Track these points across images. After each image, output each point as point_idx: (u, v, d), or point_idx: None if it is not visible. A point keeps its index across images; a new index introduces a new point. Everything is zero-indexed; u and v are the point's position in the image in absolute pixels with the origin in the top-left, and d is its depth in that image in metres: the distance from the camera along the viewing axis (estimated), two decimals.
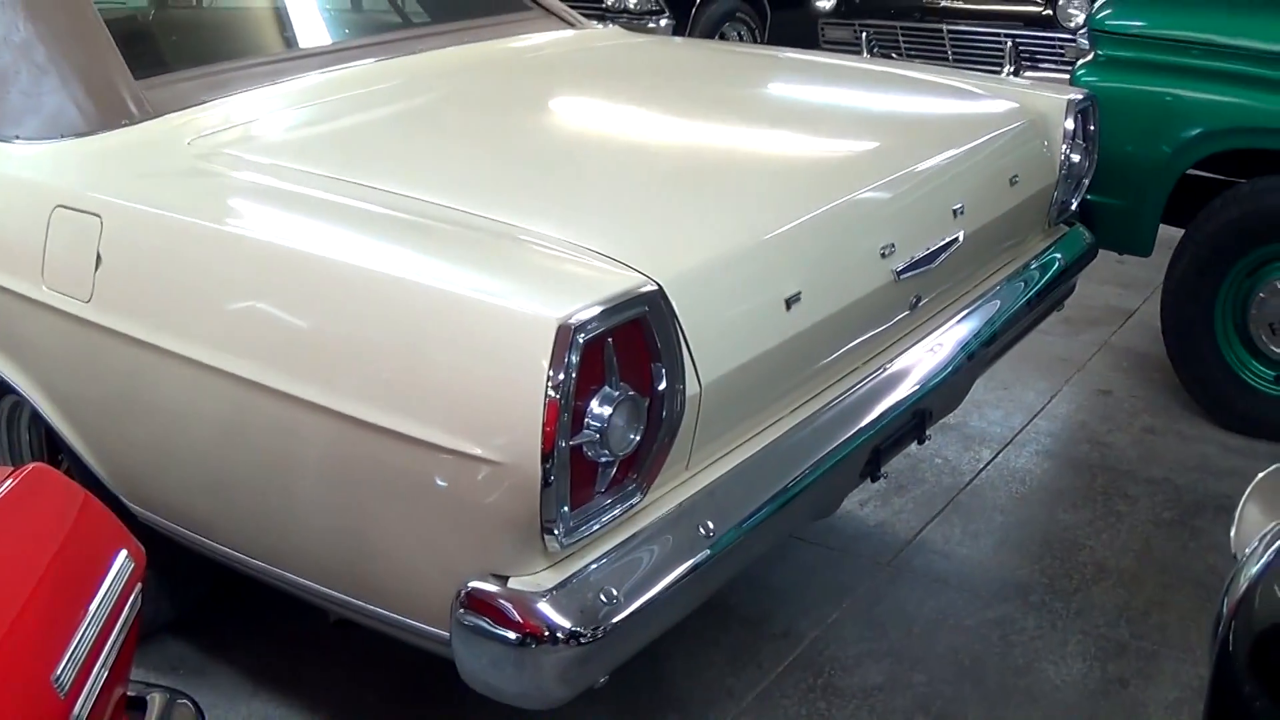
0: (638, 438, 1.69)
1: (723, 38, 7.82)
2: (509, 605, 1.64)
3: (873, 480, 2.32)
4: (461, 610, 1.67)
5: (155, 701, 1.62)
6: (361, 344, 1.73)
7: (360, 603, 1.87)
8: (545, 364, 1.54)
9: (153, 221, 2.00)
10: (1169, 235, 3.56)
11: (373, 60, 2.69)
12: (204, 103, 2.33)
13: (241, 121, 2.31)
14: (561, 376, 1.54)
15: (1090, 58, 3.62)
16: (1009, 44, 6.42)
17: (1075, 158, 2.82)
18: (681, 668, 2.52)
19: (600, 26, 3.44)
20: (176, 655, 2.54)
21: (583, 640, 1.63)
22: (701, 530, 1.81)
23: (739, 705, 2.43)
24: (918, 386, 2.29)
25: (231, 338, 1.86)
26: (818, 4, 7.11)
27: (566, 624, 1.62)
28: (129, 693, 1.58)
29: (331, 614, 2.00)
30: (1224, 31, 3.34)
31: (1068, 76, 3.85)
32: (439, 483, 1.66)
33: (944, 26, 6.66)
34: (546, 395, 1.54)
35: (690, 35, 7.37)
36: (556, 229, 1.81)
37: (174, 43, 3.12)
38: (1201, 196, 3.47)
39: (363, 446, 1.72)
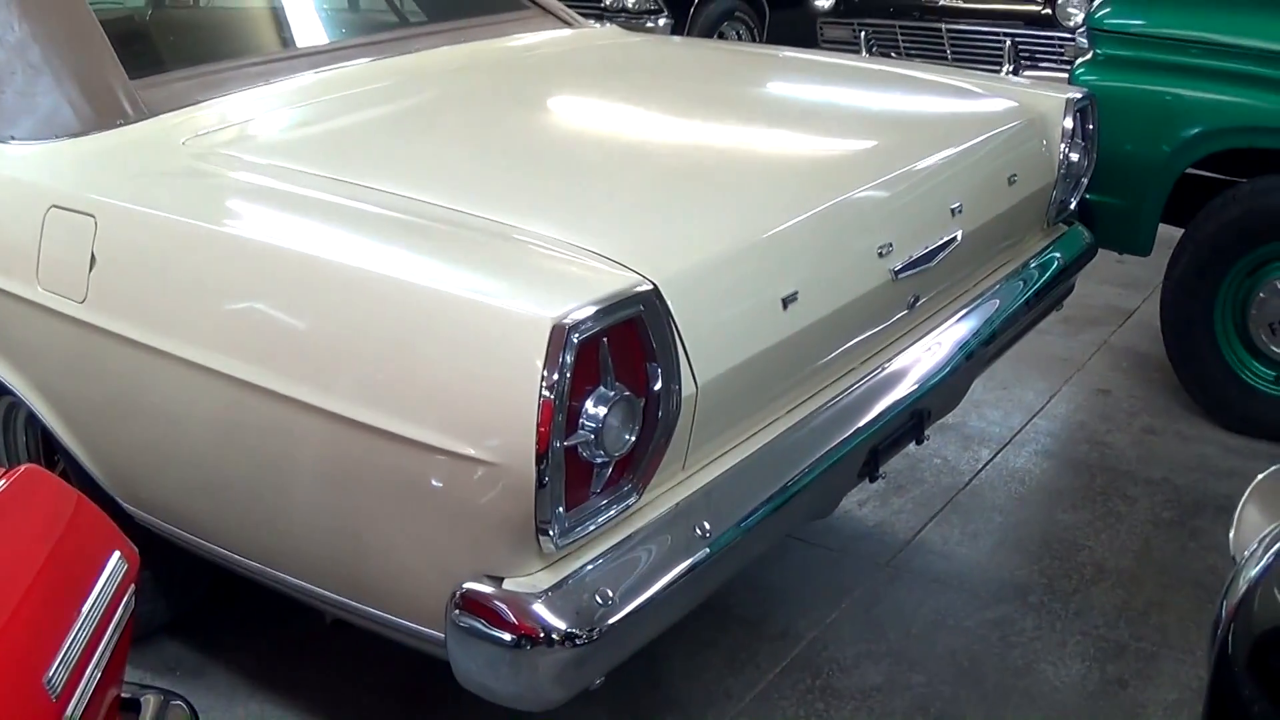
0: (633, 438, 1.68)
1: (721, 37, 7.81)
2: (504, 606, 1.63)
3: (871, 480, 2.31)
4: (456, 611, 1.66)
5: (149, 703, 1.62)
6: (356, 344, 1.72)
7: (356, 604, 1.87)
8: (539, 364, 1.53)
9: (147, 222, 1.99)
10: (1168, 235, 3.55)
11: (369, 59, 2.69)
12: (199, 102, 2.32)
13: (237, 121, 2.30)
14: (556, 376, 1.53)
15: (1089, 57, 3.61)
16: (1008, 43, 6.42)
17: (1074, 157, 2.81)
18: (679, 668, 2.52)
19: (598, 26, 3.43)
20: (173, 656, 2.54)
21: (578, 642, 1.63)
22: (698, 531, 1.81)
23: (737, 706, 2.42)
24: (916, 386, 2.29)
25: (226, 338, 1.85)
26: (816, 3, 7.10)
27: (562, 625, 1.62)
28: (123, 694, 1.58)
29: (328, 615, 2.00)
30: (1223, 30, 3.34)
31: (1067, 75, 3.84)
32: (434, 483, 1.65)
33: (943, 26, 6.66)
34: (541, 395, 1.53)
35: (688, 34, 7.36)
36: (552, 228, 1.80)
37: (169, 42, 3.12)
38: (1201, 196, 3.46)
39: (358, 447, 1.71)
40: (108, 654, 1.45)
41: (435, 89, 2.63)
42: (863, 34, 7.00)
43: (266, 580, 2.01)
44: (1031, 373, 3.86)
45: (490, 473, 1.59)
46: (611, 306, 1.60)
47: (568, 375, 1.54)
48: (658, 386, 1.68)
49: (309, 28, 3.06)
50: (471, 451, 1.59)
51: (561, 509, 1.61)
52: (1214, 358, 3.48)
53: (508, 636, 1.62)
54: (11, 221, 2.14)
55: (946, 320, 2.46)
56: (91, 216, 2.01)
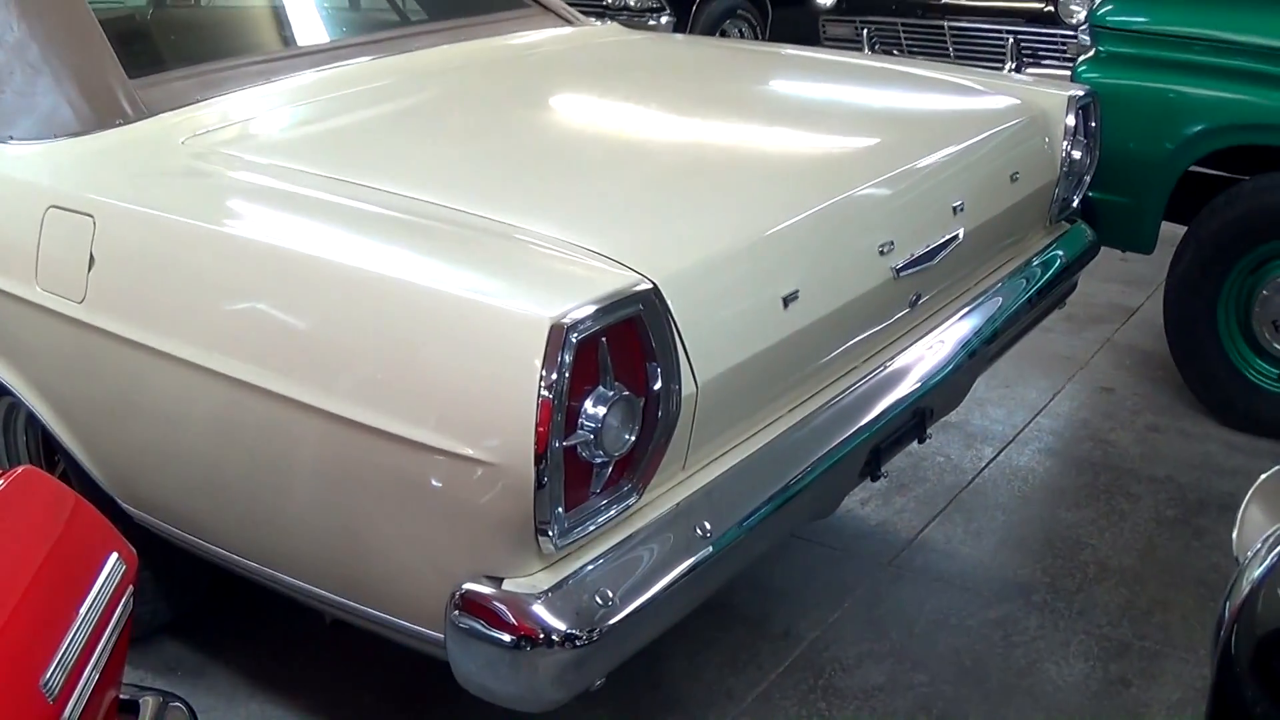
0: (633, 438, 1.68)
1: (723, 35, 7.80)
2: (503, 607, 1.63)
3: (873, 479, 2.31)
4: (456, 612, 1.66)
5: (148, 705, 1.61)
6: (355, 344, 1.72)
7: (355, 604, 1.86)
8: (538, 364, 1.53)
9: (146, 222, 1.98)
10: (1171, 232, 3.55)
11: (369, 58, 2.68)
12: (199, 102, 2.31)
13: (237, 120, 2.30)
14: (555, 376, 1.52)
15: (1092, 54, 3.60)
16: (1010, 40, 6.40)
17: (1076, 154, 2.80)
18: (681, 668, 2.51)
19: (599, 24, 3.43)
20: (174, 657, 2.53)
21: (578, 643, 1.62)
22: (699, 531, 1.80)
23: (739, 706, 2.42)
24: (918, 385, 2.28)
25: (225, 338, 1.84)
26: (818, 1, 7.09)
27: (562, 626, 1.61)
28: (121, 696, 1.58)
29: (327, 615, 1.99)
30: (1226, 27, 3.33)
31: (1069, 73, 3.83)
32: (433, 484, 1.65)
33: (945, 23, 6.65)
34: (540, 395, 1.52)
35: (691, 32, 7.36)
36: (551, 227, 1.79)
37: (169, 41, 3.11)
38: (1204, 193, 3.45)
39: (357, 447, 1.71)
40: (106, 655, 1.45)
41: (436, 88, 2.62)
42: (865, 32, 6.99)
43: (266, 580, 2.01)
44: (1034, 371, 3.85)
45: (489, 473, 1.58)
46: (611, 306, 1.59)
47: (567, 375, 1.53)
48: (657, 386, 1.67)
49: (309, 26, 3.05)
50: (470, 452, 1.59)
51: (561, 509, 1.61)
52: (1217, 355, 3.47)
53: (507, 637, 1.62)
54: (10, 221, 2.14)
55: (949, 318, 2.45)
56: (90, 216, 2.01)
